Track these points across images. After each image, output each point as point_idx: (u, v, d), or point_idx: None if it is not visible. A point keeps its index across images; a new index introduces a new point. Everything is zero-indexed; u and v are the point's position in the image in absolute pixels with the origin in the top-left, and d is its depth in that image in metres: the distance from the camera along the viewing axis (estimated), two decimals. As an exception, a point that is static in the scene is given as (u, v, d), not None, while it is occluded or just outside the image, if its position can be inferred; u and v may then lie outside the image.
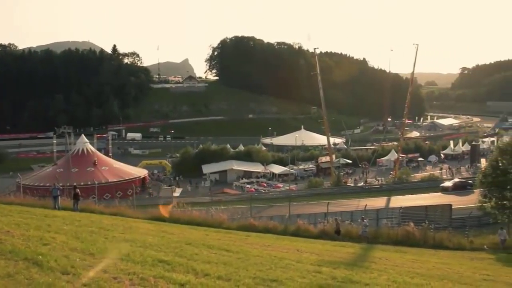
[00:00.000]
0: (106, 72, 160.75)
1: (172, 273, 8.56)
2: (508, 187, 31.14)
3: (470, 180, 56.27)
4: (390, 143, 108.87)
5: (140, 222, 20.74)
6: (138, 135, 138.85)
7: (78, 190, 24.32)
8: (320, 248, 18.48)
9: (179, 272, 8.77)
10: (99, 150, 78.73)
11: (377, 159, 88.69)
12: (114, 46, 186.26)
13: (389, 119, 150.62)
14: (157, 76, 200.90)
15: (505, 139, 38.20)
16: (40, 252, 8.75)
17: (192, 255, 11.37)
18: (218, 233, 20.25)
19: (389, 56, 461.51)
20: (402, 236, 25.88)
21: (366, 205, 31.37)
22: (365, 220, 25.89)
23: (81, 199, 25.28)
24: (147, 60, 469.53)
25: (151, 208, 30.65)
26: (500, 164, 31.59)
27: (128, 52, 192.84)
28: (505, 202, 31.50)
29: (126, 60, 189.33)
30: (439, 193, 55.32)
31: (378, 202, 45.56)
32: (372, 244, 23.44)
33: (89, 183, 57.89)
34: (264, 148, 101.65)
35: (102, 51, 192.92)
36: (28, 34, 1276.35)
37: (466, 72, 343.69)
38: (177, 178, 79.80)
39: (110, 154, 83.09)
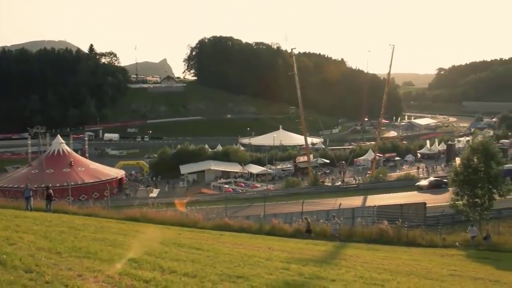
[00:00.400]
0: (82, 72, 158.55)
1: (139, 271, 8.62)
2: (479, 185, 31.73)
3: (445, 179, 57.09)
4: (368, 143, 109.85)
5: (113, 222, 20.63)
6: (115, 136, 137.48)
7: (51, 190, 24.06)
8: (293, 246, 18.64)
9: (146, 270, 8.82)
10: (76, 150, 77.73)
11: (355, 159, 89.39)
12: (91, 45, 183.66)
13: (366, 119, 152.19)
14: (135, 76, 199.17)
15: (479, 138, 39.11)
16: (4, 251, 8.70)
17: (161, 253, 11.42)
18: (191, 232, 20.29)
19: (367, 57, 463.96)
20: (376, 234, 26.18)
21: (340, 203, 31.60)
22: (336, 219, 26.13)
23: (55, 200, 25.02)
24: (125, 60, 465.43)
25: (126, 208, 30.50)
26: (471, 163, 32.16)
27: (106, 52, 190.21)
28: (476, 199, 32.11)
29: (103, 60, 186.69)
30: (415, 192, 56.05)
31: (354, 201, 46.05)
32: (346, 242, 23.68)
33: (65, 184, 57.16)
34: (242, 148, 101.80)
35: (78, 50, 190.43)
36: (3, 33, 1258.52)
37: (442, 72, 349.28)
38: (154, 178, 79.48)
39: (86, 155, 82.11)
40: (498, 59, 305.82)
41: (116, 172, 71.96)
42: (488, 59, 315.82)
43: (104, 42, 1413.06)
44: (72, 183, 57.31)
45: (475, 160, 32.39)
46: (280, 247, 17.13)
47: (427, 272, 14.80)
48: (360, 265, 14.36)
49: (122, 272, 8.23)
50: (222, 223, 25.42)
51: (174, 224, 23.40)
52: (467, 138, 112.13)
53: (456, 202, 33.48)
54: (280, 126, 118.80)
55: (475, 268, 18.06)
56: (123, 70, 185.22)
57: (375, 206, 32.55)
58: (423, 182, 60.19)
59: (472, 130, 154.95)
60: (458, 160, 53.83)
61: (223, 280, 8.84)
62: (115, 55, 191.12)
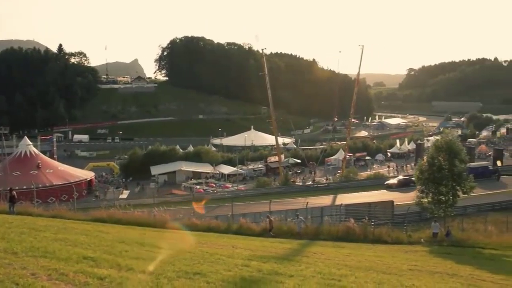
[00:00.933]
0: (51, 72, 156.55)
1: (95, 268, 8.61)
2: (444, 182, 32.35)
3: (413, 178, 58.06)
4: (339, 143, 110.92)
5: (78, 223, 20.41)
6: (85, 137, 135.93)
7: (14, 192, 23.67)
8: (258, 244, 18.75)
9: (102, 268, 8.81)
10: (44, 152, 76.54)
11: (326, 159, 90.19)
12: (60, 45, 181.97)
13: (336, 119, 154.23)
14: (105, 77, 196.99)
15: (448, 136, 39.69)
16: (-43, 252, 8.60)
17: (121, 252, 11.41)
18: (157, 232, 20.25)
19: (338, 57, 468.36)
20: (342, 232, 26.43)
21: (307, 202, 31.87)
22: (300, 217, 26.41)
23: (22, 203, 24.66)
24: (95, 60, 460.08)
25: (94, 210, 30.15)
26: (435, 161, 32.77)
27: (75, 52, 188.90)
28: (441, 197, 32.72)
29: (72, 60, 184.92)
30: (384, 191, 56.77)
31: (324, 200, 46.45)
32: (313, 240, 23.89)
33: (32, 186, 56.14)
34: (214, 148, 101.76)
35: (47, 50, 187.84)
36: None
37: (412, 73, 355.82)
38: (124, 180, 78.81)
39: (55, 157, 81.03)
40: (466, 59, 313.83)
41: (85, 174, 71.01)
42: (457, 60, 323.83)
43: (73, 42, 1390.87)
44: (40, 185, 56.35)
45: (440, 158, 33.00)
46: (245, 246, 17.22)
47: (387, 268, 15.08)
48: (322, 262, 14.56)
49: (77, 270, 8.21)
50: (190, 223, 25.40)
51: (141, 225, 23.26)
52: (436, 138, 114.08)
53: (422, 200, 34.07)
54: (252, 127, 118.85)
55: (435, 263, 18.45)
56: (93, 71, 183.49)
57: (341, 204, 32.96)
58: (392, 181, 61.00)
59: (441, 129, 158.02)
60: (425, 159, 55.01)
61: (179, 276, 8.87)
62: (84, 55, 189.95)
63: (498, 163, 71.62)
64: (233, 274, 9.98)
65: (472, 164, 61.24)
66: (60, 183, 62.46)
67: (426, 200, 33.66)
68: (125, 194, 66.16)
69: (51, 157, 77.98)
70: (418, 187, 35.77)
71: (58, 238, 12.91)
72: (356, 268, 13.60)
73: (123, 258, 10.38)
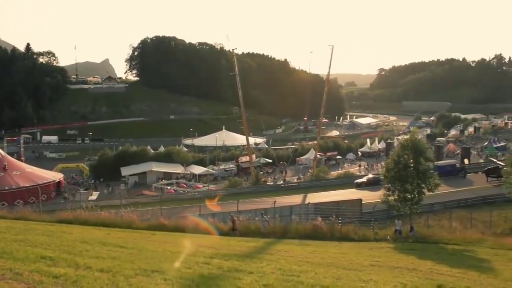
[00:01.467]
0: (19, 72, 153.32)
1: (51, 267, 8.59)
2: (409, 180, 32.93)
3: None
4: (310, 142, 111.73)
5: (42, 225, 20.18)
6: (54, 138, 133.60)
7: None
8: (223, 243, 18.84)
9: (59, 267, 8.79)
10: (11, 154, 75.11)
11: (297, 158, 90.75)
12: (28, 44, 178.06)
13: (305, 119, 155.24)
14: (75, 77, 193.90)
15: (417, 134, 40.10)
16: None
17: (82, 252, 11.38)
18: (122, 232, 20.15)
19: (309, 58, 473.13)
20: (310, 230, 26.68)
21: (275, 201, 32.10)
22: (264, 216, 26.62)
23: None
24: (65, 60, 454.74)
25: (61, 212, 29.78)
26: (401, 159, 33.35)
27: (43, 51, 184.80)
28: (406, 194, 33.31)
29: (41, 60, 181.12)
30: (354, 189, 57.37)
31: (295, 199, 46.64)
32: (280, 239, 24.06)
33: (-1, 188, 55.08)
34: (185, 149, 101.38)
35: (14, 49, 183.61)
36: None
37: (383, 73, 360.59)
38: (93, 181, 77.89)
39: (22, 158, 79.59)
40: (436, 60, 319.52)
41: (54, 176, 69.80)
42: (426, 60, 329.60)
43: (42, 41, 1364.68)
44: (6, 188, 55.32)
45: (405, 156, 33.60)
46: (210, 244, 17.29)
47: (349, 264, 15.34)
48: (284, 259, 14.73)
49: (33, 270, 8.18)
50: (158, 223, 25.31)
51: (108, 226, 23.05)
52: (406, 137, 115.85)
53: (388, 198, 34.56)
54: (223, 127, 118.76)
55: (398, 259, 18.81)
56: (62, 70, 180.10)
57: (308, 203, 33.27)
58: (361, 179, 61.70)
59: (411, 129, 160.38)
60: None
61: (137, 274, 8.90)
62: (53, 55, 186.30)
63: (466, 161, 73.01)
64: (192, 271, 10.05)
65: (440, 162, 62.44)
66: (28, 185, 61.26)
67: (392, 198, 34.18)
68: (94, 195, 65.33)
69: (18, 158, 76.58)
70: (384, 185, 36.28)
71: (17, 239, 12.79)
72: (317, 265, 13.82)
73: (82, 257, 10.36)
